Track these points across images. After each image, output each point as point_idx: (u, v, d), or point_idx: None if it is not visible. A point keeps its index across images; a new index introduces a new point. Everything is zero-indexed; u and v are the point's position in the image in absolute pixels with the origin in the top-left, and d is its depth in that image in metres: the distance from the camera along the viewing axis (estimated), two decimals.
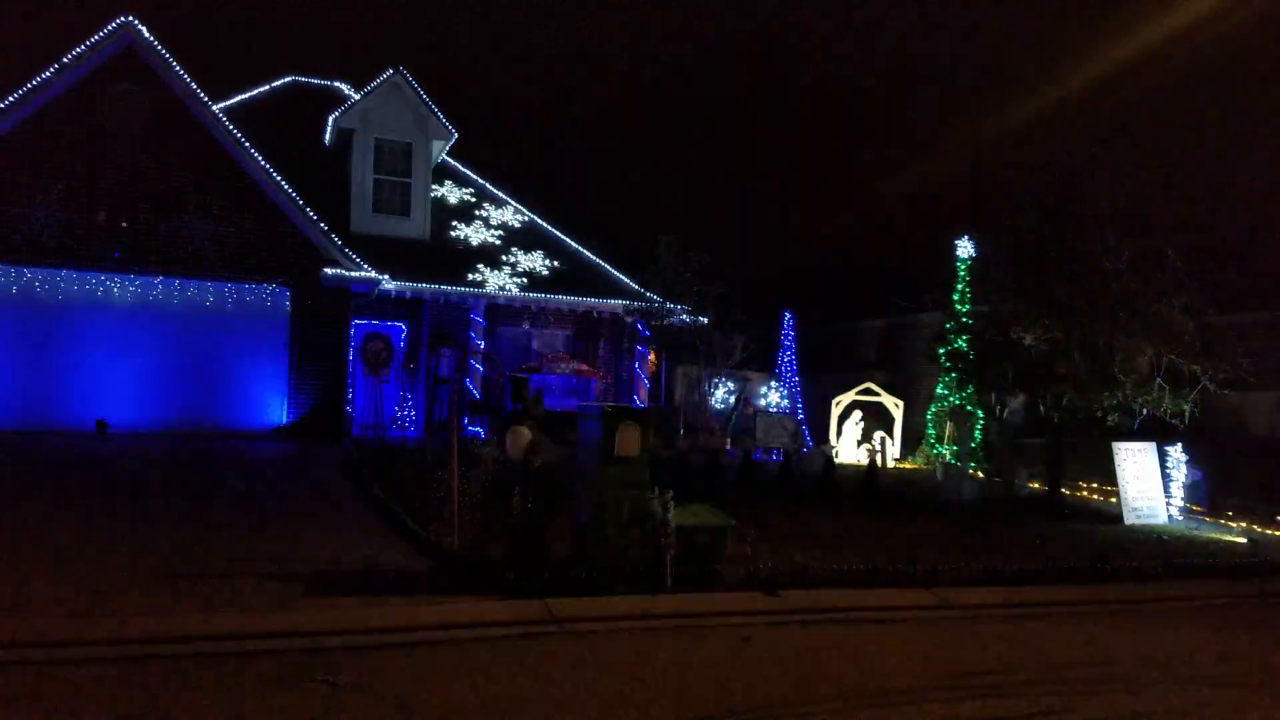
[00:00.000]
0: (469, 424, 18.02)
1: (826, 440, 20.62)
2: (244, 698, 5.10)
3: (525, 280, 19.75)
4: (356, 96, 20.07)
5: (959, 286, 18.13)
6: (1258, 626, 8.19)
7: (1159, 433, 13.84)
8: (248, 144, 16.49)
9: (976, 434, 18.18)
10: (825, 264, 36.53)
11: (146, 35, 15.82)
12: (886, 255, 32.73)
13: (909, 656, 6.59)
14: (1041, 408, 14.09)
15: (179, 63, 16.12)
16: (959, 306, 17.74)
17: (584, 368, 19.41)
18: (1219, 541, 11.75)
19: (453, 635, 6.45)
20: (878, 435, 19.40)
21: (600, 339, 20.53)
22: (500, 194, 21.90)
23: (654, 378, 21.12)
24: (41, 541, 8.25)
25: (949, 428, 18.97)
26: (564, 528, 8.67)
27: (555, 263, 20.44)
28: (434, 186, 20.46)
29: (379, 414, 14.16)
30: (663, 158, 67.67)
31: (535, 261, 20.23)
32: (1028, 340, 13.47)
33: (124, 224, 15.86)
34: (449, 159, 21.72)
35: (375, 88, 19.47)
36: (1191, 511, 13.61)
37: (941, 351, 17.14)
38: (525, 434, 8.29)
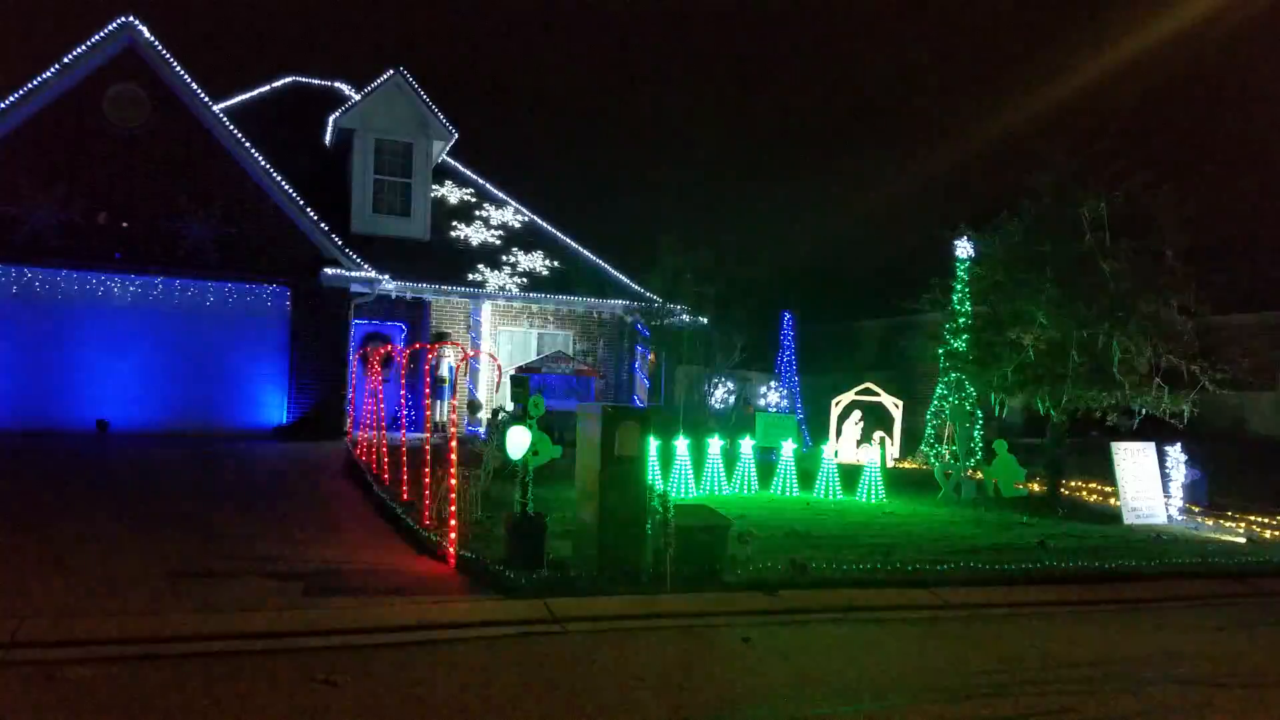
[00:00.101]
0: (469, 424, 18.03)
1: (826, 440, 20.62)
2: (244, 698, 5.10)
3: (525, 280, 19.75)
4: (357, 97, 20.08)
5: (958, 286, 18.13)
6: (1258, 626, 8.20)
7: (1158, 433, 13.85)
8: (248, 144, 16.50)
9: (976, 435, 18.18)
10: (825, 264, 36.54)
11: (147, 35, 15.83)
12: (886, 255, 32.74)
13: (908, 656, 6.60)
14: (1040, 408, 14.10)
15: (179, 63, 16.13)
16: (958, 306, 17.75)
17: (584, 368, 19.41)
18: (1218, 541, 11.76)
19: (453, 635, 6.46)
20: (877, 435, 19.39)
21: (600, 339, 20.54)
22: (500, 194, 21.91)
23: (654, 378, 21.13)
24: (42, 541, 8.26)
25: (948, 428, 18.97)
26: (564, 528, 8.69)
27: (555, 263, 20.45)
28: (434, 186, 20.47)
29: (379, 414, 14.14)
30: (663, 157, 67.69)
31: (535, 261, 20.24)
32: (1026, 340, 13.48)
33: (124, 224, 15.87)
34: (449, 159, 21.73)
35: (375, 88, 19.47)
36: (1190, 511, 13.62)
37: (940, 352, 17.14)
38: (526, 434, 8.30)
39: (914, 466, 19.47)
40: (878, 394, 20.88)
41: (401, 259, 18.51)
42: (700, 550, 7.93)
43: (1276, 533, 12.55)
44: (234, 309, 16.83)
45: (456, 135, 20.11)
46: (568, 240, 21.33)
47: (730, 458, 14.30)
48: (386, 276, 17.52)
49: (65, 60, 15.50)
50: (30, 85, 15.36)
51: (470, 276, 19.24)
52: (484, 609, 7.02)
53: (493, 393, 19.15)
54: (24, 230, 15.33)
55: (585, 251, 21.31)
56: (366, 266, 17.22)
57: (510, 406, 17.94)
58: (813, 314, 29.28)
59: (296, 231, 16.83)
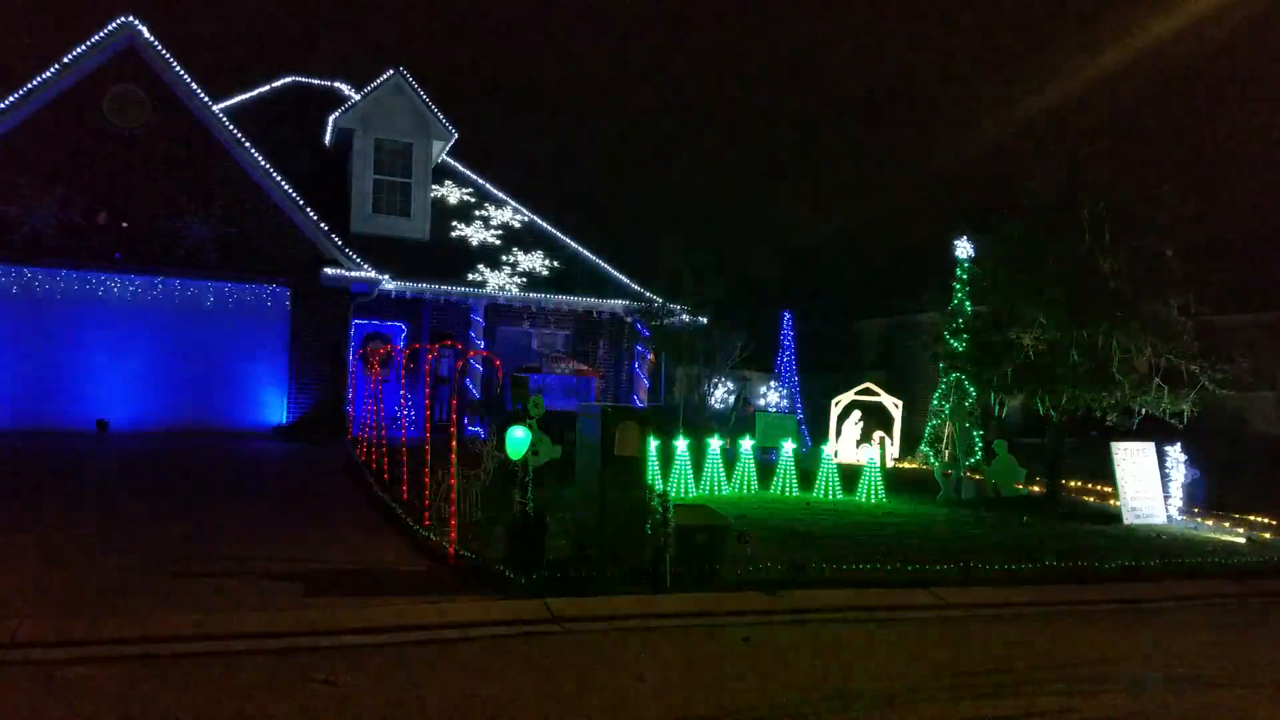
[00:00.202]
0: (469, 424, 18.03)
1: (826, 440, 20.61)
2: (244, 698, 5.11)
3: (525, 280, 19.75)
4: (357, 97, 20.07)
5: (958, 286, 18.12)
6: (1258, 626, 8.20)
7: (1158, 433, 13.84)
8: (248, 144, 16.50)
9: (976, 435, 18.17)
10: (825, 264, 36.52)
11: (147, 35, 15.83)
12: (886, 255, 32.71)
13: (908, 656, 6.60)
14: (1040, 408, 14.10)
15: (179, 62, 16.13)
16: (957, 306, 17.74)
17: (584, 368, 19.42)
18: (1218, 541, 11.76)
19: (453, 635, 6.46)
20: (877, 435, 19.38)
21: (600, 339, 20.53)
22: (500, 194, 21.91)
23: (654, 378, 21.12)
24: (42, 541, 8.26)
25: (948, 428, 18.96)
26: (564, 528, 8.69)
27: (555, 263, 20.45)
28: (434, 186, 20.47)
29: (379, 414, 14.14)
30: (663, 157, 67.68)
31: (535, 261, 20.23)
32: (1026, 340, 13.48)
33: (124, 224, 15.86)
34: (449, 159, 21.72)
35: (375, 88, 19.47)
36: (1190, 511, 13.62)
37: (940, 352, 17.12)
38: (525, 434, 8.29)
39: (914, 466, 19.47)
40: (878, 394, 20.87)
41: (401, 259, 18.50)
42: (700, 550, 7.93)
43: (1276, 533, 12.55)
44: (234, 309, 16.83)
45: (456, 135, 20.12)
46: (567, 240, 21.33)
47: (730, 458, 14.30)
48: (386, 276, 17.52)
49: (65, 60, 15.50)
50: (30, 85, 15.36)
51: (470, 276, 19.24)
52: (484, 609, 7.01)
53: (492, 393, 19.15)
54: (24, 230, 15.33)
55: (585, 251, 21.31)
56: (366, 266, 17.22)
57: (510, 406, 17.97)
58: (813, 314, 29.29)
59: (296, 231, 16.83)
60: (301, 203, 16.85)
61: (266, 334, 16.97)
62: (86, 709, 4.84)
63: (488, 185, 22.01)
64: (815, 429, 22.39)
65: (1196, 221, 13.09)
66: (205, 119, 16.32)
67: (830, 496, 13.63)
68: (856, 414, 20.57)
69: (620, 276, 20.96)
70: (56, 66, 15.45)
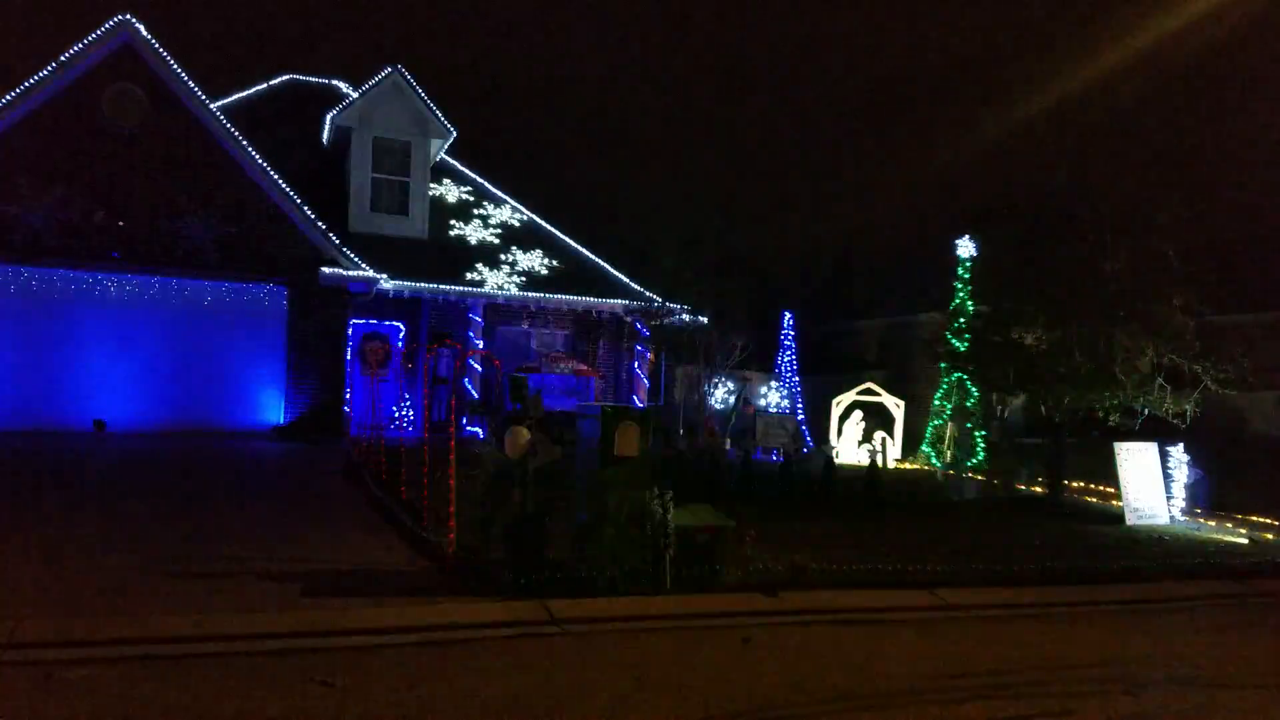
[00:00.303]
0: (468, 424, 17.99)
1: (827, 440, 20.59)
2: (243, 698, 5.07)
3: (524, 279, 19.71)
4: (355, 95, 20.03)
5: (959, 286, 18.10)
6: (1257, 626, 8.17)
7: (1160, 433, 13.82)
8: (245, 143, 16.46)
9: (977, 435, 18.16)
10: (825, 264, 36.47)
11: (144, 33, 15.79)
12: (887, 255, 32.68)
13: (909, 657, 6.56)
14: (1042, 408, 14.07)
15: (177, 61, 16.10)
16: (958, 305, 17.72)
17: (583, 368, 19.38)
18: (1220, 542, 11.73)
19: (452, 635, 6.43)
20: (878, 435, 19.36)
21: (600, 339, 20.50)
22: (499, 193, 21.87)
23: (654, 378, 21.09)
24: (40, 541, 8.22)
25: (950, 428, 18.95)
26: (564, 528, 8.65)
27: (554, 262, 20.41)
28: (432, 185, 20.43)
29: (377, 414, 14.10)
30: (663, 157, 67.67)
31: (534, 261, 20.20)
32: (1028, 340, 13.45)
33: (121, 223, 15.82)
34: (448, 158, 21.69)
35: (374, 86, 19.43)
36: (1193, 512, 13.59)
37: (942, 351, 17.12)
38: (525, 434, 8.26)
39: (915, 467, 19.44)
40: (879, 394, 20.85)
41: (400, 258, 18.47)
42: (700, 551, 7.89)
43: (1278, 533, 12.52)
44: (232, 308, 16.80)
45: (455, 134, 20.08)
46: (566, 239, 21.29)
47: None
48: (385, 276, 17.48)
49: (62, 58, 15.46)
50: (27, 84, 15.32)
51: (469, 275, 19.20)
52: (483, 610, 6.98)
53: (491, 393, 19.12)
54: (21, 229, 15.29)
55: (584, 251, 21.27)
56: (364, 266, 17.18)
57: (509, 406, 17.94)
58: (813, 314, 29.24)
59: (294, 230, 16.79)
60: (299, 202, 16.82)
61: (264, 333, 16.94)
62: (86, 709, 4.81)
63: (486, 184, 21.98)
64: (816, 429, 22.35)
65: (1198, 221, 13.06)
66: (203, 117, 16.29)
67: (831, 497, 13.56)
68: (858, 414, 20.54)
69: (620, 276, 20.93)
70: (53, 65, 15.42)
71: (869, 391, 20.90)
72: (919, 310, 17.63)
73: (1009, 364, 13.85)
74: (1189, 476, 13.54)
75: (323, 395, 16.88)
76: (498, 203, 21.50)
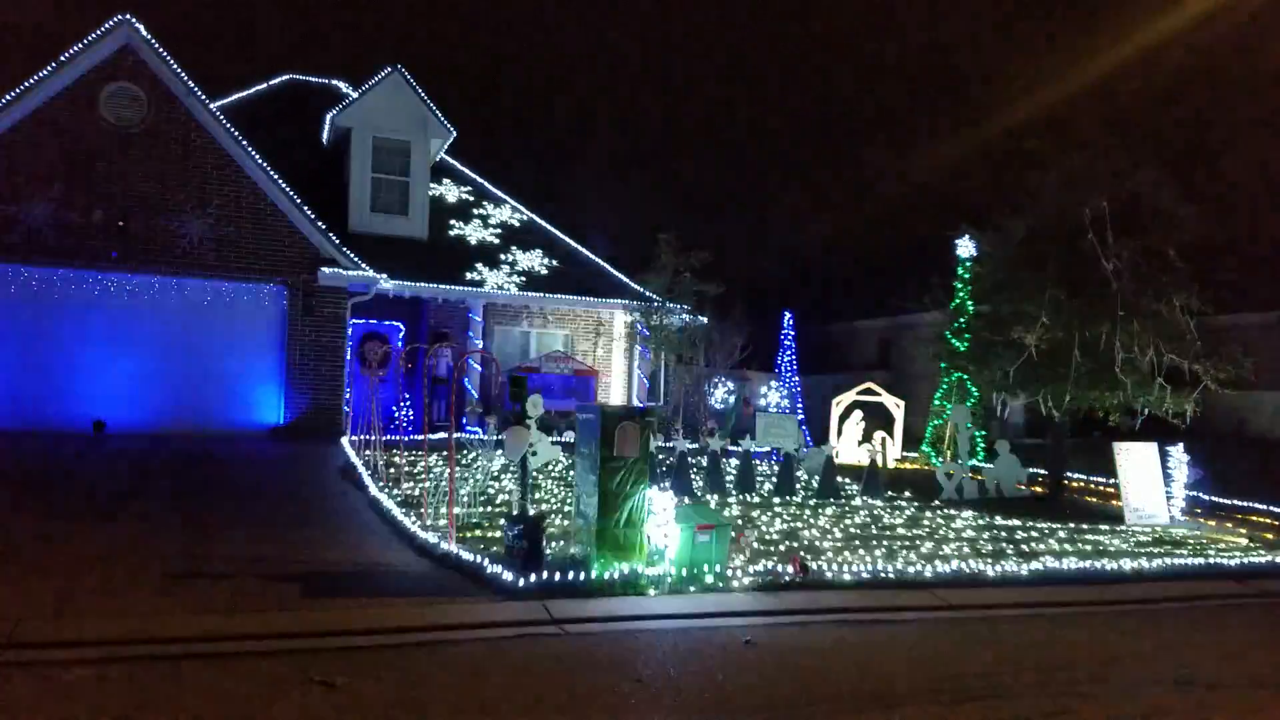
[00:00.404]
0: (467, 424, 17.98)
1: (827, 440, 20.58)
2: (243, 698, 5.07)
3: (524, 279, 19.71)
4: (355, 95, 20.02)
5: (960, 286, 18.10)
6: (1257, 626, 8.17)
7: (1160, 433, 13.82)
8: (245, 142, 16.45)
9: (977, 435, 18.15)
10: (825, 264, 36.51)
11: (144, 33, 15.77)
12: (887, 255, 32.68)
13: (909, 657, 6.56)
14: (1042, 408, 14.06)
15: (176, 61, 16.07)
16: (959, 305, 17.72)
17: (583, 367, 19.37)
18: (1220, 541, 11.73)
19: (452, 635, 6.42)
20: (878, 435, 19.34)
21: (600, 339, 20.49)
22: (499, 193, 21.86)
23: (654, 378, 21.09)
24: (38, 541, 8.21)
25: (949, 428, 18.94)
26: (564, 528, 8.64)
27: (554, 262, 20.40)
28: (432, 185, 20.42)
29: (376, 414, 14.08)
30: (663, 156, 67.66)
31: (534, 261, 20.19)
32: (1028, 340, 13.44)
33: (121, 223, 15.80)
34: (447, 157, 21.68)
35: (373, 86, 19.42)
36: (1193, 511, 13.59)
37: (942, 351, 17.11)
38: (525, 434, 8.26)
39: (915, 467, 19.43)
40: (879, 394, 20.84)
41: (399, 258, 18.45)
42: (700, 550, 7.89)
43: (1278, 533, 12.52)
44: (231, 308, 16.78)
45: (455, 134, 20.07)
46: (566, 239, 21.29)
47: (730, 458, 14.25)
48: (384, 276, 17.46)
49: (62, 58, 15.44)
50: (27, 83, 15.29)
51: (469, 275, 19.19)
52: (482, 610, 6.97)
53: (491, 393, 19.11)
54: (20, 229, 15.28)
55: (584, 250, 21.27)
56: (364, 265, 17.17)
57: (509, 406, 17.89)
58: (813, 314, 29.25)
59: (294, 230, 16.78)
60: (299, 201, 16.80)
61: (264, 333, 16.92)
62: (86, 709, 4.80)
63: (486, 184, 21.97)
64: (816, 429, 22.35)
65: (1200, 219, 13.05)
66: (202, 117, 16.27)
67: (831, 497, 13.55)
68: (858, 414, 20.53)
69: (620, 276, 20.92)
70: (53, 65, 15.39)
71: (869, 391, 20.88)
72: (919, 310, 17.61)
73: (1009, 364, 13.85)
74: (1189, 476, 13.54)
75: (322, 395, 16.86)
76: (497, 202, 21.49)
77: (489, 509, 10.10)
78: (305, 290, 16.81)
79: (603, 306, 20.14)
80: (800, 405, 22.70)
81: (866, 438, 19.75)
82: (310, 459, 14.25)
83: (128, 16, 15.67)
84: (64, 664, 5.42)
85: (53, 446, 13.83)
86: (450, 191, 21.19)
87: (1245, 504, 14.16)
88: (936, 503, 13.84)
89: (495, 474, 12.57)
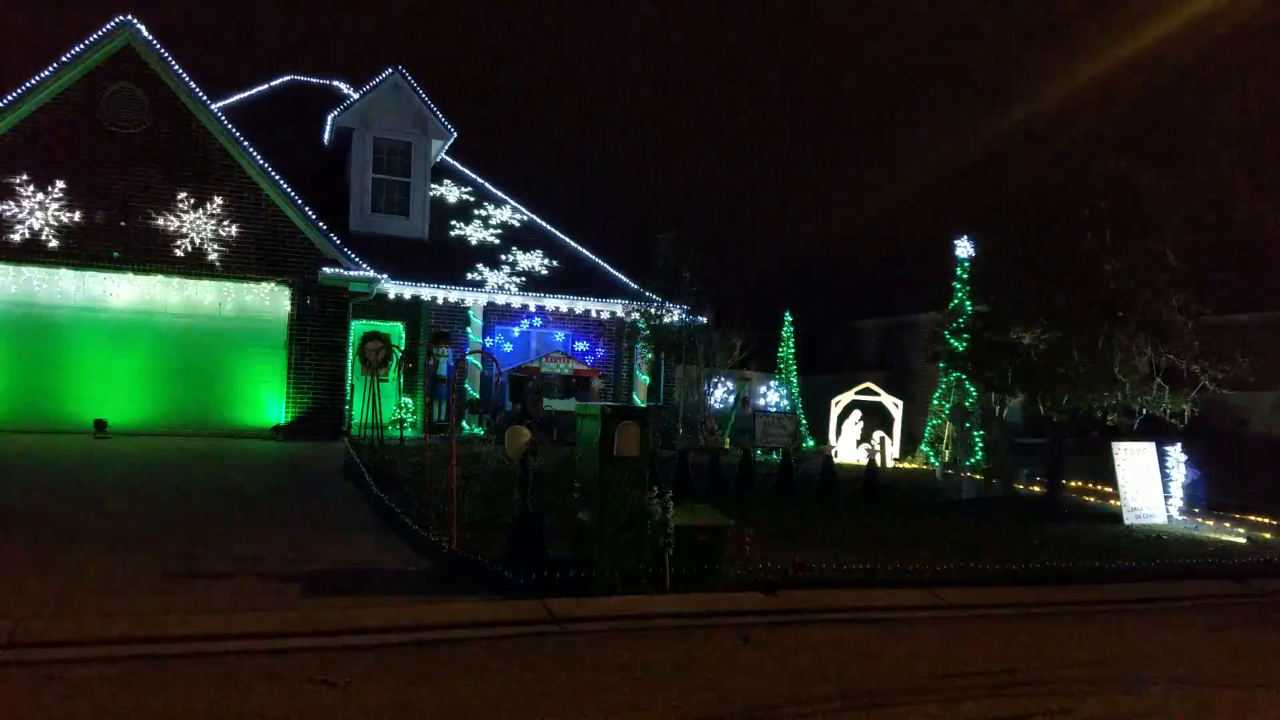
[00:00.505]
0: (468, 424, 18.00)
1: (826, 440, 20.61)
2: (243, 698, 5.08)
3: (524, 280, 19.74)
4: (355, 96, 20.05)
5: (958, 286, 18.12)
6: (1258, 626, 8.19)
7: (1158, 432, 13.83)
8: (246, 143, 16.47)
9: (976, 435, 18.17)
10: (825, 264, 36.48)
11: (145, 34, 15.79)
12: (886, 255, 32.67)
13: (908, 656, 6.58)
14: (1041, 408, 14.07)
15: (178, 61, 16.10)
16: (957, 305, 17.73)
17: (583, 368, 19.39)
18: (1218, 541, 11.75)
19: (453, 635, 6.44)
20: (877, 435, 19.37)
21: (599, 339, 20.51)
22: (499, 193, 21.88)
23: (654, 377, 21.10)
24: (39, 541, 8.23)
25: (948, 428, 18.96)
26: (564, 528, 8.67)
27: (554, 262, 20.43)
28: (433, 186, 20.44)
29: (377, 414, 14.09)
30: (663, 157, 67.67)
31: (534, 261, 20.21)
32: (1026, 340, 13.46)
33: (122, 223, 15.83)
34: (448, 158, 21.70)
35: (374, 87, 19.45)
36: (1191, 511, 13.61)
37: (940, 351, 17.11)
38: (525, 434, 8.28)
39: (914, 466, 19.46)
40: (878, 394, 20.86)
41: (400, 258, 18.48)
42: (700, 550, 7.91)
43: (1277, 533, 12.54)
44: (232, 308, 16.81)
45: (455, 134, 20.09)
46: (566, 239, 21.31)
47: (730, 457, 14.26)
48: (385, 276, 17.49)
49: (64, 59, 15.46)
50: (28, 84, 15.32)
51: (469, 276, 19.23)
52: (483, 609, 7.00)
53: (491, 393, 19.13)
54: (22, 229, 15.31)
55: (584, 251, 21.29)
56: (365, 266, 17.19)
57: (509, 406, 17.90)
58: (813, 314, 29.24)
59: (295, 231, 16.80)
60: (300, 202, 16.83)
61: (265, 333, 16.94)
62: (86, 709, 4.82)
63: (487, 184, 21.98)
64: (815, 429, 22.38)
65: (1198, 219, 13.05)
66: (204, 118, 16.29)
67: (830, 496, 13.57)
68: (856, 414, 20.56)
69: (620, 276, 20.94)
70: (55, 65, 15.42)
71: (868, 391, 20.92)
72: (918, 310, 17.63)
73: (1007, 364, 13.85)
74: (1187, 476, 13.56)
75: (323, 395, 16.88)
76: (498, 203, 21.51)
77: (489, 509, 10.11)
78: (306, 290, 16.83)
79: (603, 306, 20.16)
80: (799, 405, 22.72)
81: (865, 437, 19.78)
82: (311, 458, 14.27)
83: (129, 17, 15.70)
84: (64, 664, 5.43)
85: (53, 445, 13.85)
86: (451, 192, 21.21)
87: (1243, 503, 14.18)
88: (935, 503, 13.88)
89: (494, 472, 12.59)
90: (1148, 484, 13.25)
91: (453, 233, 20.23)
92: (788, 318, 23.30)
